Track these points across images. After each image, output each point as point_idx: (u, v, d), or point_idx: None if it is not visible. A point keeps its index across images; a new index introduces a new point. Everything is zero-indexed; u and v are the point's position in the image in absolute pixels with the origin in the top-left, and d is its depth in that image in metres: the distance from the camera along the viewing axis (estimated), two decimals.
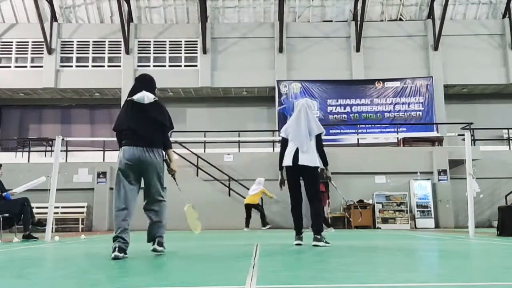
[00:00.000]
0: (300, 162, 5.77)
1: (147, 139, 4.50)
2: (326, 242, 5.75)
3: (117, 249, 4.22)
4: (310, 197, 5.91)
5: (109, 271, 3.42)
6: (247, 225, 13.63)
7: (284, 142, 6.05)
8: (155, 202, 4.71)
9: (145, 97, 4.57)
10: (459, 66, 19.88)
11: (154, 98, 4.64)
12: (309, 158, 5.80)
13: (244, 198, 14.25)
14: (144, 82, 4.75)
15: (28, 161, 17.23)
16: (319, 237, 5.70)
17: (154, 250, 4.65)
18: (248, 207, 13.79)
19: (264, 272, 3.20)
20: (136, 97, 4.57)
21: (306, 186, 5.92)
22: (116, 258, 4.14)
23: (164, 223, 4.74)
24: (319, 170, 5.98)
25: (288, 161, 5.87)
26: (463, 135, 9.41)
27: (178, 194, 5.21)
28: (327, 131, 18.88)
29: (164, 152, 4.69)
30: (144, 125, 4.52)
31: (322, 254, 4.96)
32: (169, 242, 6.97)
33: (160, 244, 4.65)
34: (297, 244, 5.86)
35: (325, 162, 6.07)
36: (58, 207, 14.63)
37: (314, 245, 5.62)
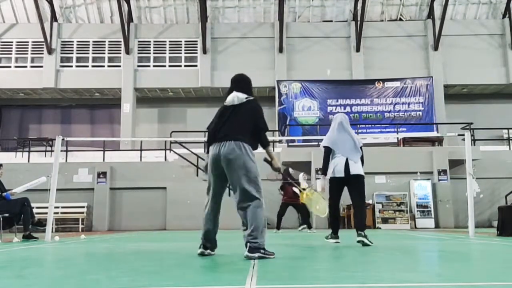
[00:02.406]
0: (353, 172, 6.22)
1: (230, 137, 4.25)
2: (370, 241, 5.96)
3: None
4: (359, 201, 6.38)
5: (109, 271, 3.42)
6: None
7: (328, 152, 6.50)
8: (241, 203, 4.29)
9: (236, 98, 4.42)
10: (459, 66, 19.88)
11: (247, 98, 4.42)
12: (359, 167, 6.31)
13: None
14: (235, 82, 4.58)
15: (28, 161, 17.23)
16: (363, 234, 6.00)
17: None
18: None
19: (264, 272, 3.20)
20: (227, 99, 4.47)
21: (354, 192, 6.35)
22: None
23: (256, 227, 4.17)
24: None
25: (339, 172, 6.27)
26: (463, 135, 9.40)
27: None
28: (327, 131, 18.95)
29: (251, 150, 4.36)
30: (233, 125, 4.31)
31: (322, 254, 4.96)
32: (169, 242, 6.98)
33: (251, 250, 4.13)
34: (336, 242, 6.43)
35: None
36: (58, 207, 14.62)
37: (359, 241, 5.96)
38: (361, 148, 6.43)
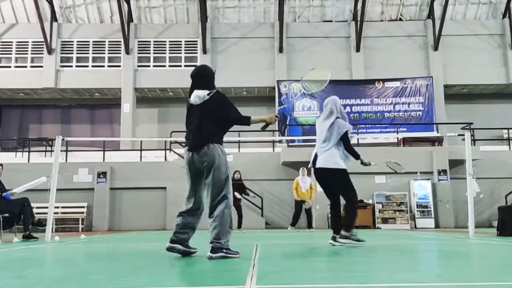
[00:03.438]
0: (317, 165, 5.83)
1: (201, 140, 4.30)
2: (358, 240, 5.83)
3: None
4: (343, 195, 6.04)
5: (109, 271, 3.42)
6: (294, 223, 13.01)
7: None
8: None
9: (196, 97, 4.40)
10: (459, 66, 19.88)
11: (209, 94, 4.39)
12: (326, 160, 5.78)
13: (245, 198, 14.16)
14: (193, 79, 4.54)
15: (28, 161, 17.23)
16: (347, 234, 5.84)
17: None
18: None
19: (264, 272, 3.20)
20: (190, 98, 4.46)
21: (331, 187, 6.05)
22: None
23: (222, 223, 4.23)
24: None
25: (312, 162, 5.93)
26: (463, 135, 9.40)
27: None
28: None
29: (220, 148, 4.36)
30: (201, 127, 4.32)
31: (322, 254, 4.96)
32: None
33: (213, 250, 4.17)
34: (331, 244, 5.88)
35: (356, 156, 5.94)
36: (58, 207, 14.62)
37: (339, 244, 5.78)
38: (345, 136, 5.80)
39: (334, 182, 5.87)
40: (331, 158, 5.74)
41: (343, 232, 5.79)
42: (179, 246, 4.35)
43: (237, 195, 12.20)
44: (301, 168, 13.09)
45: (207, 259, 4.08)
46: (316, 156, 5.90)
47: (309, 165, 6.04)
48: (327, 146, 5.78)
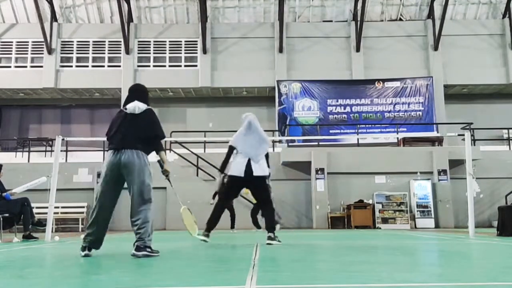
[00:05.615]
0: (255, 173, 6.32)
1: (133, 144, 4.60)
2: (278, 241, 6.23)
3: None
4: (264, 200, 6.56)
5: (109, 271, 3.43)
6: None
7: (231, 151, 6.58)
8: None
9: (136, 107, 4.73)
10: (459, 66, 19.87)
11: (146, 107, 4.77)
12: (262, 168, 6.39)
13: (244, 198, 14.19)
14: (135, 91, 4.90)
15: (28, 161, 17.24)
16: (272, 235, 6.24)
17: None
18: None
19: (264, 272, 3.20)
20: (128, 106, 4.74)
21: (257, 192, 6.57)
22: None
23: (146, 224, 4.53)
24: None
25: (240, 171, 6.35)
26: (463, 135, 9.40)
27: (176, 195, 5.23)
28: (327, 131, 19.04)
29: (146, 156, 4.72)
30: (133, 133, 4.63)
31: (322, 254, 4.96)
32: (169, 242, 6.98)
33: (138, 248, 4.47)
34: (203, 240, 6.41)
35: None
36: (58, 207, 14.63)
37: (268, 244, 6.11)
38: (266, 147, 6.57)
39: (264, 187, 6.48)
40: (265, 166, 6.44)
41: (272, 234, 6.27)
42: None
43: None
44: None
45: (206, 260, 4.08)
46: (249, 165, 6.35)
47: (240, 173, 6.35)
48: (260, 156, 6.44)
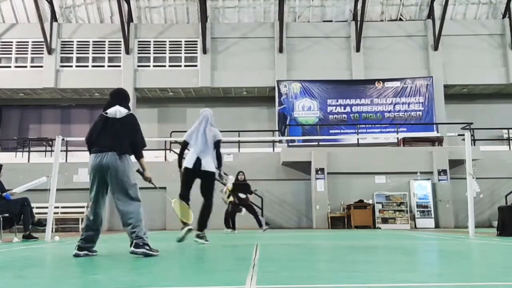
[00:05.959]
0: (202, 167, 6.52)
1: (115, 147, 4.63)
2: (206, 240, 6.38)
3: None
4: (205, 196, 6.65)
5: (108, 271, 3.42)
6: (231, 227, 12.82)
7: (184, 145, 6.83)
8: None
9: (118, 112, 4.76)
10: (459, 66, 19.87)
11: (127, 112, 4.80)
12: (208, 164, 6.55)
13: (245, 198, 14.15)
14: (116, 96, 4.91)
15: (28, 161, 17.23)
16: (201, 234, 6.42)
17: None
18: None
19: (264, 272, 3.20)
20: (109, 111, 4.77)
21: (202, 187, 6.65)
22: None
23: (140, 223, 4.59)
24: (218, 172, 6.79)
25: (189, 163, 6.58)
26: (463, 135, 9.40)
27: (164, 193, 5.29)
28: (327, 131, 19.04)
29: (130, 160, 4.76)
30: (114, 137, 4.66)
31: (322, 254, 4.96)
32: (168, 242, 6.98)
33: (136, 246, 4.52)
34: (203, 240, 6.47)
35: (220, 164, 6.79)
36: (58, 207, 14.61)
37: (195, 241, 6.31)
38: (218, 143, 6.67)
39: (209, 183, 6.61)
40: (211, 164, 6.60)
41: (201, 232, 6.43)
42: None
43: (242, 195, 12.08)
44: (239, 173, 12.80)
45: (206, 260, 4.08)
46: (198, 158, 6.54)
47: (190, 165, 6.55)
48: (208, 151, 6.61)
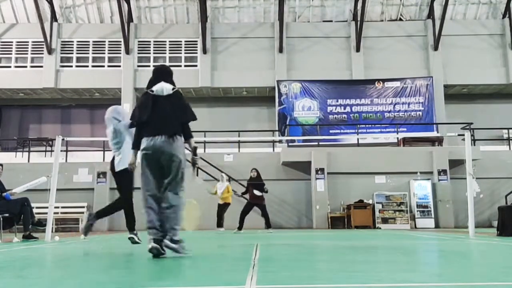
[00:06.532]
0: (116, 169, 6.26)
1: (167, 129, 4.41)
2: (138, 239, 6.38)
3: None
4: (121, 195, 6.44)
5: (109, 271, 3.42)
6: (220, 225, 13.03)
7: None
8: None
9: (164, 89, 4.53)
10: (459, 66, 19.87)
11: (174, 89, 4.58)
12: (117, 163, 6.23)
13: (245, 198, 14.16)
14: (159, 72, 4.68)
15: (28, 161, 17.23)
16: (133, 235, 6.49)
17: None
18: (220, 207, 13.17)
19: (264, 272, 3.20)
20: (155, 88, 4.54)
21: (117, 187, 6.46)
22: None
23: (179, 213, 4.48)
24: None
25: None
26: (463, 135, 9.40)
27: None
28: (327, 131, 19.03)
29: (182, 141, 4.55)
30: (164, 116, 4.44)
31: (322, 254, 4.96)
32: None
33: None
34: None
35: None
36: (58, 207, 14.61)
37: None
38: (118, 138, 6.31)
39: (121, 183, 6.32)
40: (119, 161, 6.21)
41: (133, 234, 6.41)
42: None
43: (257, 193, 11.92)
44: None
45: (206, 259, 4.08)
46: (113, 159, 6.29)
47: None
48: (114, 150, 6.32)
